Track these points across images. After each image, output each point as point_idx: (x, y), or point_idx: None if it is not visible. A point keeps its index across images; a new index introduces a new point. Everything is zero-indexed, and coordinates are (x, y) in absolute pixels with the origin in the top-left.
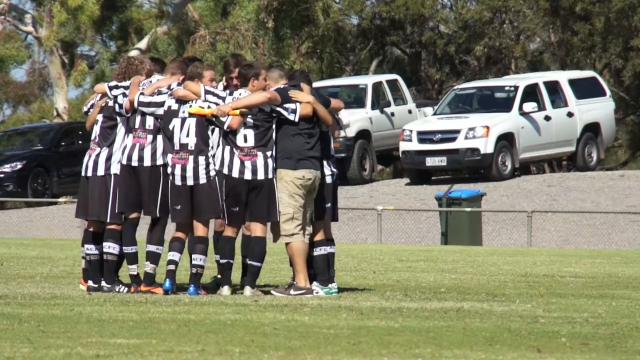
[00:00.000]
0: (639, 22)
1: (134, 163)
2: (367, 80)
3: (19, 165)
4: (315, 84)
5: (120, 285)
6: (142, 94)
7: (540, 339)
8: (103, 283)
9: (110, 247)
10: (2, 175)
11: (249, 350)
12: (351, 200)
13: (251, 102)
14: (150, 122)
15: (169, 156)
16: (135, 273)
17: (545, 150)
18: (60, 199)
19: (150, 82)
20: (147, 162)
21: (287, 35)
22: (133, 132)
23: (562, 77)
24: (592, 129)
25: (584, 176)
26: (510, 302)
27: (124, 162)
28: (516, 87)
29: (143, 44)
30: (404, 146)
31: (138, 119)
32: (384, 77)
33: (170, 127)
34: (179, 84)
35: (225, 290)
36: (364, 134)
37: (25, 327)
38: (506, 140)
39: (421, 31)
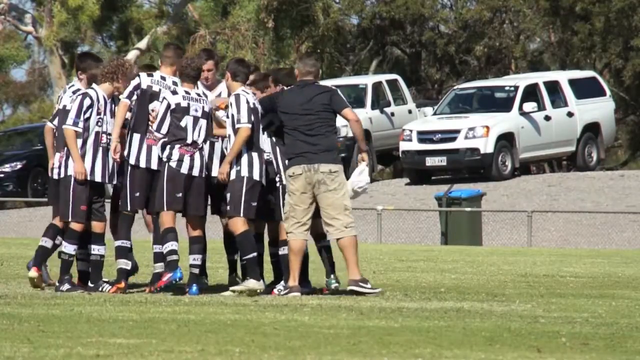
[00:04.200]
0: (639, 22)
1: (154, 166)
2: (367, 80)
3: (19, 165)
4: None
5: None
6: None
7: (540, 339)
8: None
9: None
10: (2, 175)
11: (249, 350)
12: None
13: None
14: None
15: (176, 147)
16: (126, 268)
17: (545, 150)
18: None
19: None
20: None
21: (287, 35)
22: (147, 134)
23: (562, 77)
24: (592, 129)
25: (584, 176)
26: (510, 302)
27: (144, 164)
28: (516, 87)
29: (143, 44)
30: (404, 146)
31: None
32: (384, 77)
33: (183, 124)
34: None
35: (252, 283)
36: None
37: (25, 327)
38: (506, 140)
39: (421, 31)
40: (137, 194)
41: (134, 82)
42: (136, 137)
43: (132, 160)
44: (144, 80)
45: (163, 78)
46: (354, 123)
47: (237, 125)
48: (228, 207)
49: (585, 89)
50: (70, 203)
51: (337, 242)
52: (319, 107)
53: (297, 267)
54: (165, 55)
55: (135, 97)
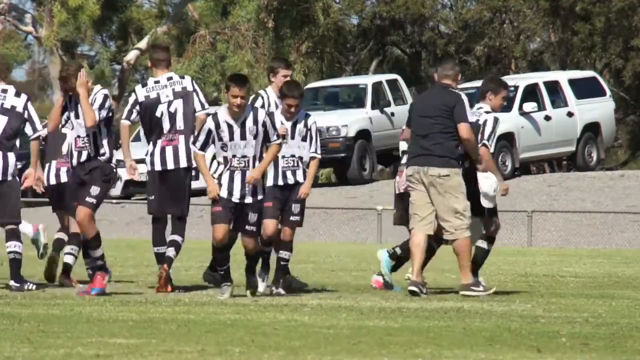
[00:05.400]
0: (639, 22)
1: (170, 166)
2: (367, 80)
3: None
4: (315, 84)
5: (29, 283)
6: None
7: (540, 339)
8: (11, 282)
9: (17, 246)
10: None
11: (249, 350)
12: (351, 200)
13: None
14: (180, 123)
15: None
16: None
17: (545, 150)
18: None
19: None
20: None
21: (287, 35)
22: (162, 135)
23: (562, 77)
24: (592, 129)
25: (584, 176)
26: (510, 302)
27: (159, 167)
28: (516, 87)
29: (143, 44)
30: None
31: (167, 122)
32: (384, 77)
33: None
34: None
35: (262, 287)
36: (363, 134)
37: (25, 327)
38: (506, 140)
39: (421, 31)
40: (152, 197)
41: (131, 100)
42: (151, 144)
43: (148, 166)
44: (140, 93)
45: (157, 82)
46: (465, 141)
47: (278, 141)
48: (254, 228)
49: (585, 89)
50: (17, 204)
51: (452, 244)
52: (440, 112)
53: (417, 261)
54: (160, 59)
55: (135, 114)
